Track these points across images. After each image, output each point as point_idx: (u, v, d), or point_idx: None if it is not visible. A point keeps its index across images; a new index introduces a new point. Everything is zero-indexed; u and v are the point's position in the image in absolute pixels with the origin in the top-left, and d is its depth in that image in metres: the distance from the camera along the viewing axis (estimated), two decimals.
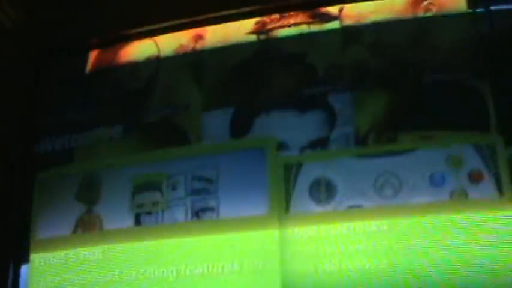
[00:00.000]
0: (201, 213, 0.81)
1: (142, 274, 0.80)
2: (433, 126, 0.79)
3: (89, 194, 0.87)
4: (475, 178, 0.77)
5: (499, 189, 0.75)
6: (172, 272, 0.79)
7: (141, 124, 0.89)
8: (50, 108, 0.95)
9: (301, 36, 0.87)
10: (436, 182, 0.77)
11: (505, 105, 0.78)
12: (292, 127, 0.83)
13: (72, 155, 0.91)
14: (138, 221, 0.83)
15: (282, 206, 0.78)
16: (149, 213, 0.83)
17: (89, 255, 0.84)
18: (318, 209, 0.78)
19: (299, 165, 0.80)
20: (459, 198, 0.76)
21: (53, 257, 0.85)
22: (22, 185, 0.92)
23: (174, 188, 0.83)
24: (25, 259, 0.87)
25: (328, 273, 0.75)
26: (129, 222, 0.83)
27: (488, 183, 0.76)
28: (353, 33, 0.85)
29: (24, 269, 0.88)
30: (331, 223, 0.77)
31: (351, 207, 0.77)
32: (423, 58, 0.83)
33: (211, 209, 0.81)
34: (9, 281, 0.88)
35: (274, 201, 0.79)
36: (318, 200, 0.79)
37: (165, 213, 0.82)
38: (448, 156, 0.78)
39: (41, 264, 0.86)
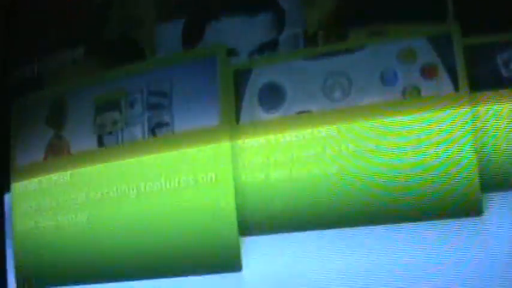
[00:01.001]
0: (156, 130, 0.80)
1: (107, 193, 0.81)
2: (384, 20, 0.73)
3: (56, 118, 0.87)
4: (428, 73, 0.72)
5: (455, 84, 0.71)
6: (133, 189, 0.80)
7: (100, 43, 0.88)
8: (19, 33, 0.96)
9: None
10: (387, 80, 0.72)
11: None
12: (242, 32, 0.79)
13: (42, 80, 0.91)
14: (100, 142, 0.83)
15: (233, 116, 0.76)
16: (110, 133, 0.83)
17: (59, 179, 0.85)
18: (267, 116, 0.75)
19: (248, 71, 0.77)
20: (411, 96, 0.71)
21: (30, 184, 0.88)
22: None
23: (131, 106, 0.82)
24: (7, 188, 0.91)
25: (279, 181, 0.74)
26: (93, 143, 0.84)
27: (442, 78, 0.71)
28: None
29: (7, 197, 0.92)
30: (281, 131, 0.74)
31: (300, 112, 0.74)
32: None
33: (166, 124, 0.80)
34: None
35: (225, 111, 0.77)
36: (267, 107, 0.76)
37: (124, 132, 0.82)
38: (399, 50, 0.72)
39: (20, 191, 0.89)
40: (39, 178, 0.87)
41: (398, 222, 0.70)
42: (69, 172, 0.84)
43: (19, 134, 0.91)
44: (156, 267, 0.78)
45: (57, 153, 0.86)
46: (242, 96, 0.77)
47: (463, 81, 0.70)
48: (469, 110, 0.69)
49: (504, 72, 0.70)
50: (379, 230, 0.70)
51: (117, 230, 0.80)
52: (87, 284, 0.83)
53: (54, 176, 0.85)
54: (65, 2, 0.92)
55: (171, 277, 0.78)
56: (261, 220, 0.74)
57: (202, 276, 0.76)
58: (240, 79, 0.78)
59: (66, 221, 0.84)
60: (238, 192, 0.75)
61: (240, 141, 0.76)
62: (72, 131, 0.86)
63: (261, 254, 0.74)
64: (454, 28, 0.70)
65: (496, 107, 0.68)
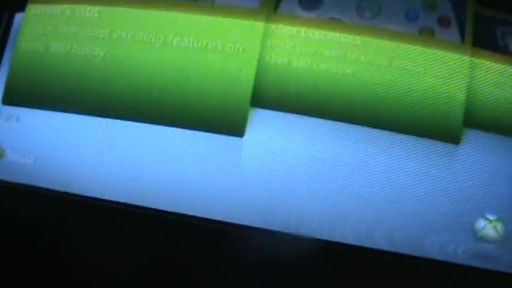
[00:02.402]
0: None
1: (132, 36, 0.85)
2: None
3: None
4: (443, 23, 0.84)
5: (462, 36, 0.84)
6: (160, 38, 0.84)
7: None
8: None
9: None
10: (410, 16, 0.85)
11: None
12: None
13: None
14: None
15: (272, 5, 0.84)
16: None
17: (85, 12, 0.87)
18: (302, 13, 0.84)
19: None
20: (426, 34, 0.85)
21: (50, 8, 0.88)
22: None
23: None
24: (22, 8, 0.90)
25: (299, 69, 0.82)
26: None
27: (453, 29, 0.84)
28: None
29: (18, 17, 0.90)
30: (312, 28, 0.83)
31: (332, 18, 0.84)
32: None
33: None
34: (2, 25, 0.93)
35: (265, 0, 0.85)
36: (305, 7, 0.84)
37: None
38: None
39: (37, 13, 0.89)
40: (64, 6, 0.87)
41: (386, 129, 0.81)
42: (97, 8, 0.86)
43: None
44: (164, 115, 0.82)
45: None
46: None
47: (468, 36, 0.84)
48: (469, 58, 0.83)
49: (500, 42, 0.85)
50: (369, 131, 0.82)
51: (132, 71, 0.84)
52: (84, 115, 0.84)
53: (81, 8, 0.87)
54: None
55: (176, 127, 0.82)
56: (273, 97, 0.82)
57: (204, 133, 0.82)
58: None
59: (81, 52, 0.85)
60: (260, 68, 0.82)
61: (273, 26, 0.83)
62: None
63: (265, 127, 0.82)
64: None
65: (489, 62, 0.83)
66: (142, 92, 0.84)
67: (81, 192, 0.83)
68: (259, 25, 0.84)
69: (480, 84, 0.83)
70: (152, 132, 0.83)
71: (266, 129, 0.82)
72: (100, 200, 0.82)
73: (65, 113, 0.85)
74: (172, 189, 0.82)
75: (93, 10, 0.87)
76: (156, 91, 0.83)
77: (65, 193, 0.83)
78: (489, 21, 0.85)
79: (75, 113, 0.85)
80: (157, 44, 0.85)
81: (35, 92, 0.87)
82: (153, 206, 0.82)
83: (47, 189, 0.84)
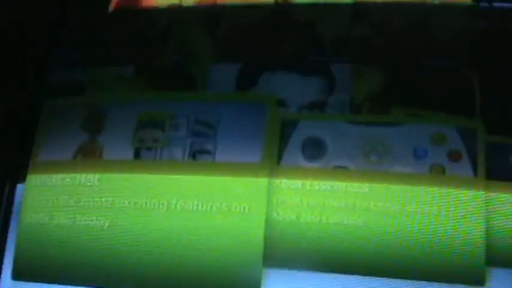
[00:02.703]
0: (197, 155, 0.84)
1: (134, 203, 0.83)
2: (423, 105, 0.83)
3: (94, 124, 0.89)
4: (454, 157, 0.81)
5: (474, 170, 0.80)
6: (163, 204, 0.82)
7: (153, 68, 0.92)
8: (67, 39, 0.98)
9: (315, 5, 0.91)
10: (418, 154, 0.81)
11: (490, 95, 0.83)
12: (294, 88, 0.86)
13: (83, 87, 0.93)
14: (137, 155, 0.85)
15: (275, 157, 0.82)
16: (149, 148, 0.85)
17: (85, 180, 0.86)
18: (307, 164, 0.82)
19: (295, 122, 0.84)
20: (437, 172, 0.81)
21: (50, 179, 0.87)
22: (30, 109, 0.94)
23: (175, 128, 0.85)
24: (22, 178, 0.89)
25: (308, 224, 0.79)
26: (129, 154, 0.85)
27: (465, 163, 0.81)
28: (362, 11, 0.90)
29: (20, 188, 0.90)
30: (317, 179, 0.80)
31: (337, 167, 0.81)
32: (422, 43, 0.88)
33: (208, 152, 0.84)
34: (5, 197, 0.92)
35: (267, 152, 0.82)
36: (309, 157, 0.82)
37: (164, 150, 0.85)
38: (433, 133, 0.82)
39: (37, 184, 0.88)
40: (63, 175, 0.86)
41: (406, 278, 0.77)
42: (97, 176, 0.85)
43: (47, 132, 0.90)
44: (174, 286, 0.79)
45: (88, 155, 0.87)
46: (286, 143, 0.83)
47: (481, 169, 0.80)
48: (484, 192, 0.78)
49: None
50: (388, 282, 0.77)
51: (138, 241, 0.81)
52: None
53: (81, 177, 0.86)
54: (122, 21, 0.97)
55: None
56: (285, 256, 0.78)
57: None
58: (287, 127, 0.84)
59: (84, 222, 0.84)
60: (269, 226, 0.79)
61: (277, 181, 0.81)
62: (109, 138, 0.87)
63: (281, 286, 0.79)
64: (479, 125, 0.82)
65: (505, 195, 0.79)
66: (151, 261, 0.81)
67: None
68: (263, 181, 0.81)
69: (498, 218, 0.78)
70: None
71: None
72: None
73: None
74: None
75: (92, 178, 0.86)
76: (165, 258, 0.80)
77: None
78: (501, 149, 0.82)
79: (85, 285, 0.84)
80: (162, 210, 0.82)
81: (43, 266, 0.85)
82: None
83: None
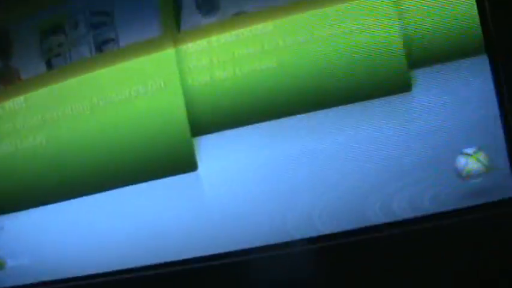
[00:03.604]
0: (103, 46, 0.81)
1: (62, 113, 0.83)
2: None
3: (2, 49, 0.87)
4: None
5: None
6: (86, 105, 0.81)
7: None
8: None
9: None
10: None
11: None
12: None
13: None
14: (49, 65, 0.83)
15: (174, 25, 0.78)
16: (58, 55, 0.83)
17: (13, 105, 0.85)
18: (206, 21, 0.78)
19: None
20: None
21: None
22: None
23: (75, 27, 0.82)
24: None
25: (224, 80, 0.76)
26: (42, 67, 0.83)
27: None
28: None
29: None
30: (220, 32, 0.77)
31: (235, 14, 0.77)
32: None
33: (112, 40, 0.81)
34: None
35: (166, 22, 0.78)
36: (206, 13, 0.78)
37: (72, 52, 0.82)
38: None
39: None
40: None
41: (335, 106, 0.75)
42: (22, 97, 0.85)
43: None
44: (116, 177, 0.80)
45: (9, 82, 0.86)
46: (180, 5, 0.79)
47: None
48: None
49: None
50: (316, 115, 0.75)
51: (75, 147, 0.82)
52: (48, 204, 0.84)
53: (8, 103, 0.86)
54: None
55: (131, 184, 0.80)
56: (210, 119, 0.77)
57: (161, 180, 0.80)
58: None
59: (25, 146, 0.84)
60: (187, 95, 0.78)
61: (183, 47, 0.78)
62: (20, 59, 0.85)
63: (213, 152, 0.78)
64: None
65: None
66: (93, 163, 0.81)
67: (77, 273, 0.84)
68: (170, 52, 0.77)
69: (411, 17, 0.73)
70: (116, 197, 0.81)
71: (217, 153, 0.78)
72: (96, 275, 0.83)
73: (38, 208, 0.86)
74: (153, 243, 0.80)
75: (18, 101, 0.85)
76: (103, 157, 0.81)
77: (66, 279, 0.86)
78: None
79: (43, 204, 0.84)
80: (87, 112, 0.81)
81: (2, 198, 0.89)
82: (143, 263, 0.81)
83: (46, 282, 0.86)
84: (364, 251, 0.75)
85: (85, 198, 0.82)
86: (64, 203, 0.83)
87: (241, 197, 0.77)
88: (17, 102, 0.85)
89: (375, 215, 0.74)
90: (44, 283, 0.85)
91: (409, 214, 0.73)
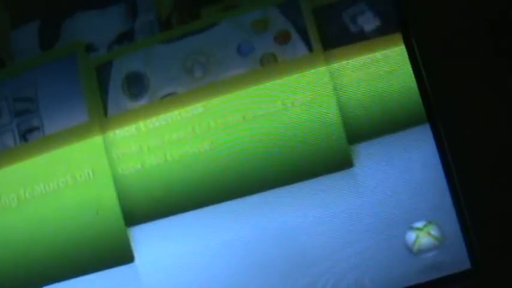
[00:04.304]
0: (28, 135, 0.75)
1: None
2: None
3: None
4: (281, 39, 0.70)
5: (308, 45, 0.70)
6: (13, 199, 0.75)
7: None
8: None
9: None
10: (244, 51, 0.71)
11: None
12: (98, 26, 0.75)
13: None
14: None
15: (101, 111, 0.73)
16: None
17: None
18: (134, 105, 0.72)
19: (109, 64, 0.74)
20: (269, 62, 0.71)
21: None
22: None
23: None
24: None
25: (155, 167, 0.71)
26: None
27: (296, 41, 0.70)
28: None
29: None
30: (149, 117, 0.72)
31: (165, 96, 0.72)
32: None
33: (37, 128, 0.75)
34: None
35: (92, 106, 0.73)
36: (133, 96, 0.73)
37: None
38: (252, 21, 0.71)
39: None
40: None
41: (275, 187, 0.70)
42: None
43: None
44: (48, 274, 0.74)
45: None
46: (107, 89, 0.74)
47: (316, 42, 0.70)
48: (324, 68, 0.70)
49: (352, 28, 0.71)
50: (256, 199, 0.71)
51: (3, 242, 0.76)
52: None
53: None
54: None
55: (66, 280, 0.75)
56: (144, 208, 0.72)
57: (97, 273, 0.74)
58: (102, 73, 0.74)
59: None
60: (118, 184, 0.72)
61: (111, 134, 0.72)
62: None
63: (150, 242, 0.72)
64: None
65: (351, 61, 0.70)
66: (22, 259, 0.75)
67: None
68: (97, 140, 0.73)
69: (347, 90, 0.69)
70: None
71: (154, 242, 0.73)
72: None
73: None
74: None
75: None
76: (32, 253, 0.74)
77: None
78: (331, 10, 0.71)
79: None
80: (14, 205, 0.75)
81: None
82: None
83: None
84: None
85: None
86: None
87: (179, 286, 0.72)
88: None
89: None
90: None
91: None
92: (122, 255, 0.72)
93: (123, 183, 0.72)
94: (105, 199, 0.72)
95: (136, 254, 0.72)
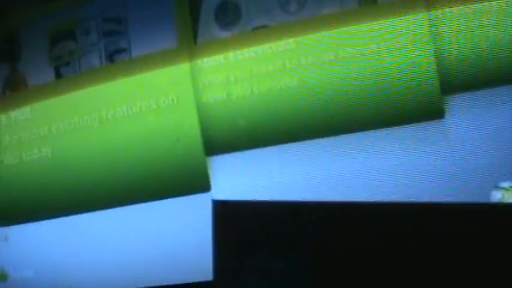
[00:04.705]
0: (114, 56, 0.76)
1: (69, 125, 0.77)
2: None
3: (10, 52, 0.82)
4: None
5: None
6: (95, 118, 0.76)
7: None
8: None
9: None
10: None
11: None
12: None
13: None
14: (58, 73, 0.78)
15: (190, 36, 0.72)
16: (67, 63, 0.78)
17: (19, 115, 0.80)
18: (224, 34, 0.72)
19: None
20: (368, 4, 0.69)
21: None
22: None
23: (86, 33, 0.77)
24: None
25: (241, 98, 0.70)
26: (51, 75, 0.79)
27: None
28: None
29: None
30: (239, 48, 0.70)
31: (256, 28, 0.71)
32: None
33: (124, 50, 0.75)
34: None
35: (182, 32, 0.72)
36: (225, 25, 0.72)
37: (81, 61, 0.77)
38: None
39: None
40: None
41: (360, 131, 0.69)
42: (28, 108, 0.79)
43: None
44: (125, 194, 0.75)
45: (15, 88, 0.81)
46: (198, 16, 0.73)
47: None
48: (426, 15, 0.67)
49: None
50: (340, 139, 0.69)
51: (82, 161, 0.77)
52: (55, 218, 0.79)
53: (14, 113, 0.80)
54: None
55: (141, 202, 0.75)
56: (226, 139, 0.71)
57: (172, 199, 0.75)
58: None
59: (30, 158, 0.79)
60: (201, 112, 0.72)
61: (199, 61, 0.72)
62: (28, 64, 0.80)
63: (228, 173, 0.72)
64: None
65: (452, 9, 0.67)
66: (100, 178, 0.76)
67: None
68: (184, 67, 0.72)
69: (446, 39, 0.66)
70: (124, 215, 0.75)
71: (232, 174, 0.73)
72: None
73: (45, 221, 0.81)
74: (167, 263, 0.74)
75: (25, 111, 0.80)
76: (111, 173, 0.75)
77: None
78: None
79: (50, 218, 0.79)
80: (95, 125, 0.76)
81: (4, 209, 0.83)
82: (150, 284, 0.76)
83: None
84: None
85: (93, 213, 0.78)
86: (72, 217, 0.78)
87: None
88: (22, 112, 0.81)
89: None
90: None
91: None
92: (198, 184, 0.72)
93: (207, 112, 0.72)
94: (187, 126, 0.72)
95: (213, 184, 0.73)
